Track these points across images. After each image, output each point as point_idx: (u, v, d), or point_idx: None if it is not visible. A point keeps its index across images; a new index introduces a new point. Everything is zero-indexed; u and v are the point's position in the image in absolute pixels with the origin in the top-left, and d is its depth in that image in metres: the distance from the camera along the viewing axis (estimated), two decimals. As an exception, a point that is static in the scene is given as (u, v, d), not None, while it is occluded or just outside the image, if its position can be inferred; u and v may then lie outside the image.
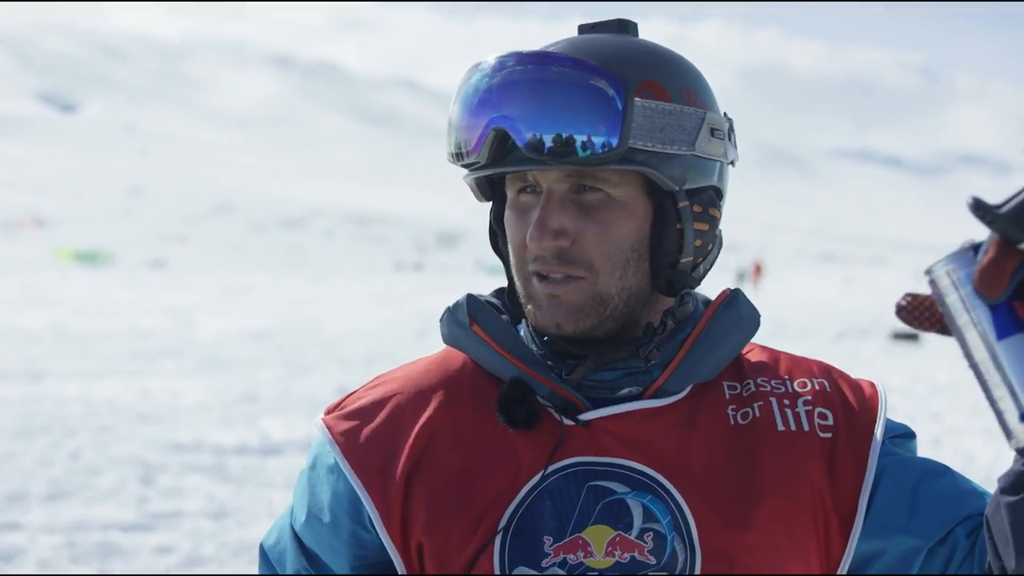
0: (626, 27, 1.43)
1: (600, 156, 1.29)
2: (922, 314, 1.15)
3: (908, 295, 1.15)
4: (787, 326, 21.50)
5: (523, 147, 1.30)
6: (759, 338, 1.50)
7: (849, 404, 1.43)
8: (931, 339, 20.38)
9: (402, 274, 49.18)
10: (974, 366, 1.11)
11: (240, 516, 7.23)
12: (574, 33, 1.45)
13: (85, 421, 10.15)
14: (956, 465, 9.23)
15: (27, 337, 16.89)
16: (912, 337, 20.14)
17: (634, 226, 1.35)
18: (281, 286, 34.09)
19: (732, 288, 1.47)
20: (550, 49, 1.37)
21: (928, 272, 1.12)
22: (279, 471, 8.46)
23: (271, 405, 11.39)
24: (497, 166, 1.35)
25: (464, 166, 1.39)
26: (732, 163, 1.45)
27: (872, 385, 1.48)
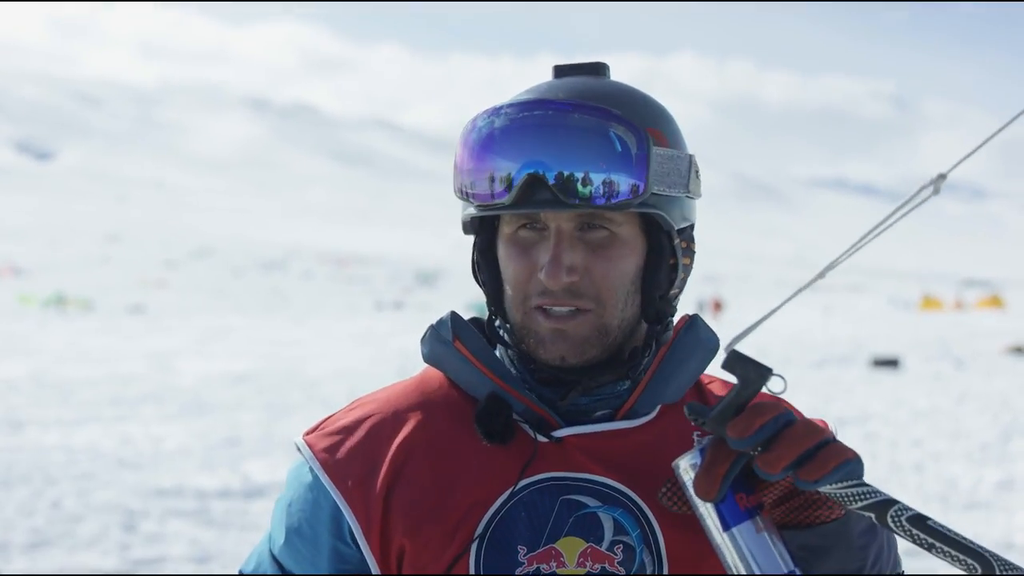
0: (604, 70, 1.50)
1: (627, 200, 1.37)
2: (680, 498, 1.32)
3: (669, 482, 1.32)
4: (768, 355, 21.53)
5: (557, 190, 1.36)
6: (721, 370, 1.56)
7: None
8: (911, 365, 20.45)
9: (383, 313, 49.09)
10: (714, 547, 1.27)
11: (224, 560, 7.19)
12: (549, 71, 1.51)
13: (66, 469, 10.08)
14: (938, 490, 9.30)
15: (6, 386, 16.76)
16: (892, 363, 20.19)
17: (635, 261, 1.43)
18: (262, 328, 33.97)
19: (691, 314, 1.55)
20: (556, 95, 1.42)
21: (673, 468, 1.30)
22: (262, 513, 8.42)
23: (254, 448, 11.34)
24: (523, 207, 1.39)
25: (483, 207, 1.43)
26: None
27: (823, 423, 1.55)
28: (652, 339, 1.48)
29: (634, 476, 1.43)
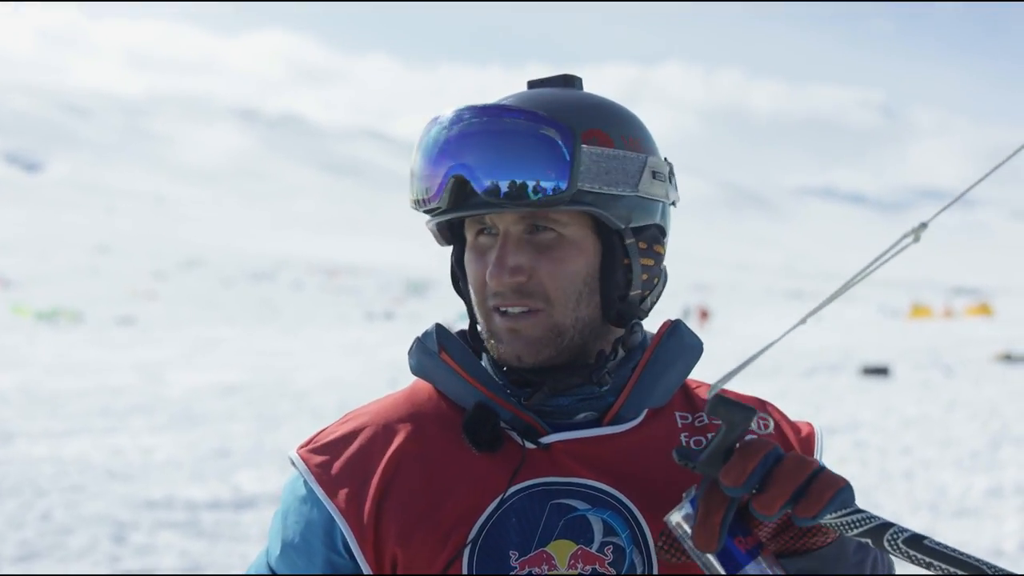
0: (572, 81, 1.55)
1: (551, 198, 1.39)
2: (678, 549, 1.34)
3: (663, 535, 1.35)
4: (758, 364, 21.56)
5: (481, 192, 1.40)
6: (709, 375, 1.57)
7: (788, 443, 1.54)
8: (901, 373, 20.49)
9: (373, 324, 49.04)
10: None
11: (214, 571, 7.18)
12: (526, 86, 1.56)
13: (55, 481, 10.05)
14: (928, 498, 9.31)
15: (-5, 398, 16.72)
16: (882, 372, 20.24)
17: (584, 262, 1.45)
18: (252, 339, 33.91)
19: (673, 319, 1.57)
20: (503, 102, 1.47)
21: (666, 522, 1.31)
22: (253, 524, 8.40)
23: (244, 459, 11.32)
24: (457, 211, 1.44)
25: (426, 212, 1.49)
26: (674, 204, 1.56)
27: (809, 426, 1.60)
28: (619, 342, 1.50)
29: (622, 479, 1.44)
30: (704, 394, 1.57)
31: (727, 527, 1.25)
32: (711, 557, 1.27)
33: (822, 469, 1.26)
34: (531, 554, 1.41)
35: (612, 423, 1.48)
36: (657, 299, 1.55)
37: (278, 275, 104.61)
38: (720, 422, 1.27)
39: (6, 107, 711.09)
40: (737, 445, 1.27)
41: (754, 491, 1.25)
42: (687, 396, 1.57)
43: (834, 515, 1.23)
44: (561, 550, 1.41)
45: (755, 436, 1.45)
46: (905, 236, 1.25)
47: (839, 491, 1.23)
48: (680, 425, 1.52)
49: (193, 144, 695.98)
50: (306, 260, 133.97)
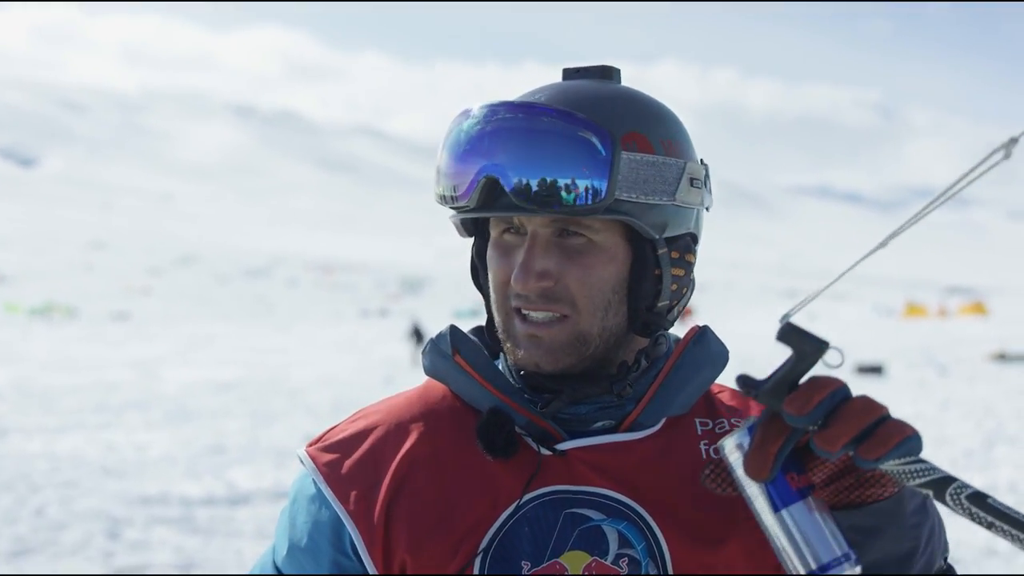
0: (610, 74, 1.48)
1: (587, 206, 1.33)
2: (725, 479, 1.26)
3: (711, 463, 1.26)
4: (753, 362, 21.57)
5: (513, 195, 1.34)
6: (731, 379, 1.53)
7: None
8: (895, 372, 20.53)
9: (368, 321, 49.04)
10: (764, 530, 1.21)
11: (208, 567, 7.17)
12: (537, 78, 1.51)
13: (50, 476, 10.04)
14: (923, 496, 9.31)
15: (-11, 393, 16.71)
16: (876, 370, 20.26)
17: (614, 270, 1.39)
18: (246, 336, 33.89)
19: (701, 325, 1.52)
20: (537, 98, 1.40)
21: (719, 448, 1.23)
22: (247, 520, 8.40)
23: (238, 455, 11.31)
24: (486, 210, 1.38)
25: (453, 209, 1.42)
26: (708, 208, 1.50)
27: None
28: (642, 354, 1.45)
29: (639, 488, 1.40)
30: (727, 400, 1.53)
31: (782, 458, 1.18)
32: (758, 489, 1.21)
33: (891, 416, 1.19)
34: (544, 564, 1.36)
35: (630, 430, 1.43)
36: (684, 307, 1.49)
37: (273, 272, 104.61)
38: (789, 351, 1.19)
39: (1, 102, 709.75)
40: (804, 379, 1.19)
41: (816, 427, 1.18)
42: (709, 402, 1.51)
43: (898, 461, 1.17)
44: (575, 561, 1.36)
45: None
46: (995, 151, 1.15)
47: (907, 438, 1.17)
48: (700, 432, 1.46)
49: (189, 140, 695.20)
50: (301, 257, 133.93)
